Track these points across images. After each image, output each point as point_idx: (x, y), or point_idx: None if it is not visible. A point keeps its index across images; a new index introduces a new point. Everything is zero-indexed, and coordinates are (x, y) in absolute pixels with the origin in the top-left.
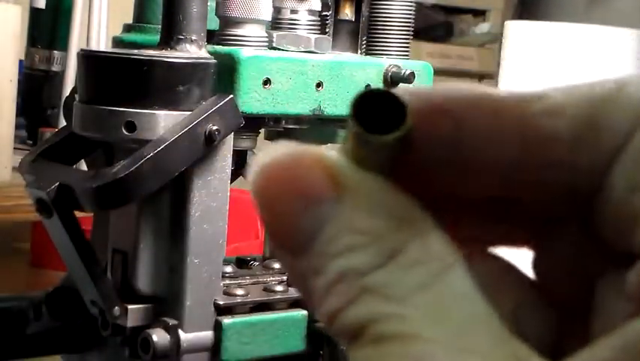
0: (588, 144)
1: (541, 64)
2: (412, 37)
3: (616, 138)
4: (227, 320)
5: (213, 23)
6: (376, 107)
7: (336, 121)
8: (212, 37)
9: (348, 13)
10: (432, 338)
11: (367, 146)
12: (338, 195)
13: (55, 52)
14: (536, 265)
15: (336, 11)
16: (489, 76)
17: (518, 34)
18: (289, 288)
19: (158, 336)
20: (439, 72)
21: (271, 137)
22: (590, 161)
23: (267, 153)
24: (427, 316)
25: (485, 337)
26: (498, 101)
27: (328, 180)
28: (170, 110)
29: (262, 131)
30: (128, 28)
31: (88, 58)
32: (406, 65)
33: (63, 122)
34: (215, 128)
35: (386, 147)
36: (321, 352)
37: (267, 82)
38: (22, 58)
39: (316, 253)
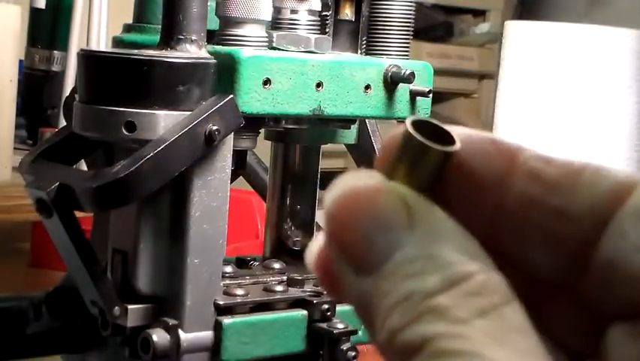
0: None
1: (541, 64)
2: (412, 37)
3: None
4: (227, 320)
5: (213, 23)
6: (426, 132)
7: (336, 121)
8: (212, 37)
9: (348, 13)
10: (495, 358)
11: (422, 159)
12: (411, 224)
13: (55, 52)
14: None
15: (336, 11)
16: (489, 76)
17: (518, 34)
18: (289, 288)
19: (158, 336)
20: (439, 72)
21: (271, 137)
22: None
23: (348, 178)
24: (488, 338)
25: None
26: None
27: (403, 210)
28: (170, 110)
29: (262, 131)
30: (128, 28)
31: (88, 58)
32: (406, 65)
33: (63, 122)
34: (215, 128)
35: (439, 160)
36: (321, 352)
37: (267, 82)
38: (22, 58)
39: (385, 274)
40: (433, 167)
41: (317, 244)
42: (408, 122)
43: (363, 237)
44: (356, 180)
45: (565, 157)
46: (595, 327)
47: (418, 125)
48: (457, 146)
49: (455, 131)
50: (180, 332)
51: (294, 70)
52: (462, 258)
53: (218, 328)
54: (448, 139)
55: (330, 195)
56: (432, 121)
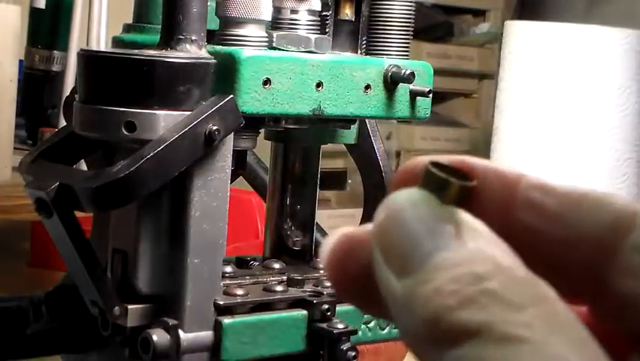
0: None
1: (541, 64)
2: (412, 37)
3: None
4: (227, 320)
5: (213, 23)
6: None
7: (336, 121)
8: (212, 37)
9: (348, 13)
10: (560, 346)
11: (443, 194)
12: (459, 232)
13: (55, 52)
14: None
15: (336, 11)
16: (489, 76)
17: (518, 34)
18: (289, 288)
19: (158, 336)
20: (439, 72)
21: (271, 137)
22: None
23: (400, 192)
24: (546, 326)
25: (599, 358)
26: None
27: (451, 219)
28: (170, 110)
29: (262, 131)
30: (128, 28)
31: (88, 58)
32: (406, 65)
33: (63, 122)
34: (215, 128)
35: (459, 195)
36: (321, 352)
37: (267, 82)
38: (22, 58)
39: (430, 267)
40: (452, 201)
41: (331, 242)
42: (427, 160)
43: (409, 238)
44: (405, 194)
45: (564, 185)
46: (619, 351)
47: (435, 164)
48: (475, 182)
49: (464, 162)
50: (180, 332)
51: (294, 70)
52: (510, 257)
53: (218, 328)
54: (463, 175)
55: (381, 207)
56: (444, 161)
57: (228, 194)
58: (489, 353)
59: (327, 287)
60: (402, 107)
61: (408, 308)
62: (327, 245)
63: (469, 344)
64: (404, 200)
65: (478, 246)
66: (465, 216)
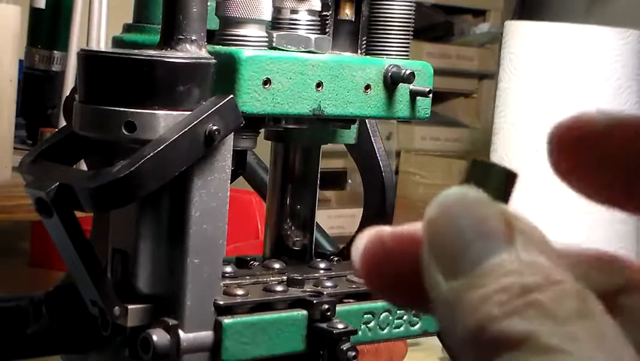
0: None
1: (541, 64)
2: (412, 37)
3: None
4: (227, 320)
5: (213, 23)
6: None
7: (336, 121)
8: (212, 37)
9: (348, 13)
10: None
11: (490, 182)
12: (510, 236)
13: (55, 52)
14: None
15: (336, 11)
16: (489, 76)
17: (518, 34)
18: (289, 288)
19: (158, 336)
20: (439, 72)
21: (271, 137)
22: None
23: (451, 191)
24: (593, 341)
25: None
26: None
27: (503, 222)
28: (170, 110)
29: (262, 131)
30: (128, 28)
31: (88, 58)
32: (406, 65)
33: (63, 122)
34: (215, 128)
35: (506, 181)
36: (321, 352)
37: (267, 82)
38: (22, 58)
39: (480, 272)
40: (500, 188)
41: (364, 240)
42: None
43: (459, 239)
44: (457, 192)
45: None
46: None
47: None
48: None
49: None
50: (180, 332)
51: (294, 70)
52: (558, 268)
53: (218, 328)
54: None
55: (432, 204)
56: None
57: (228, 194)
58: None
59: (327, 287)
60: (402, 107)
61: (454, 312)
62: (359, 246)
63: (512, 355)
64: (456, 197)
65: (528, 254)
66: (518, 218)
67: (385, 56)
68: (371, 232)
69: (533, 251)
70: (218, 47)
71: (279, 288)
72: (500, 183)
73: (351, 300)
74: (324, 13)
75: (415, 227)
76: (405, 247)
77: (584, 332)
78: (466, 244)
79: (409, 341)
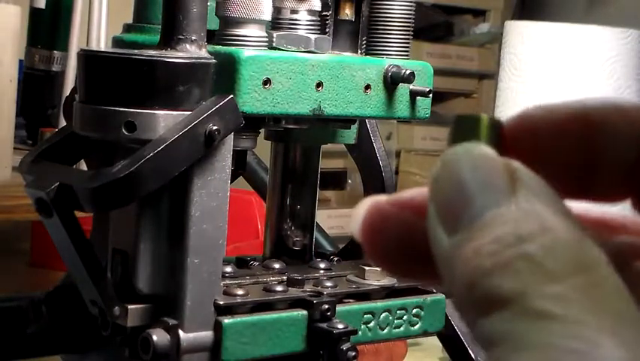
0: None
1: (541, 64)
2: (412, 37)
3: None
4: (227, 320)
5: (213, 23)
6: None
7: (336, 121)
8: (212, 37)
9: (348, 13)
10: (595, 326)
11: (476, 133)
12: (512, 187)
13: (55, 52)
14: None
15: (336, 11)
16: (489, 76)
17: (518, 34)
18: (289, 288)
19: (158, 336)
20: (439, 72)
21: (271, 137)
22: None
23: (458, 147)
24: (586, 300)
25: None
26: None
27: (505, 174)
28: (170, 110)
29: (262, 131)
30: (128, 28)
31: (88, 58)
32: (406, 65)
33: (63, 122)
34: (215, 128)
35: (495, 130)
36: (321, 352)
37: (267, 82)
38: (22, 58)
39: (477, 225)
40: (490, 139)
41: (362, 209)
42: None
43: (461, 194)
44: (460, 149)
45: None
46: None
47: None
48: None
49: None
50: (180, 332)
51: (294, 70)
52: (561, 218)
53: (218, 328)
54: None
55: (436, 164)
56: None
57: (228, 194)
58: (516, 327)
59: (327, 287)
60: (402, 107)
61: (451, 268)
62: (359, 215)
63: (499, 315)
64: (460, 153)
65: (529, 203)
66: (523, 171)
67: (385, 56)
68: (369, 201)
69: (535, 202)
70: (218, 47)
71: (279, 288)
72: (489, 133)
73: (351, 300)
74: (324, 13)
75: (413, 192)
76: (404, 211)
77: (578, 290)
78: (468, 198)
79: (409, 341)
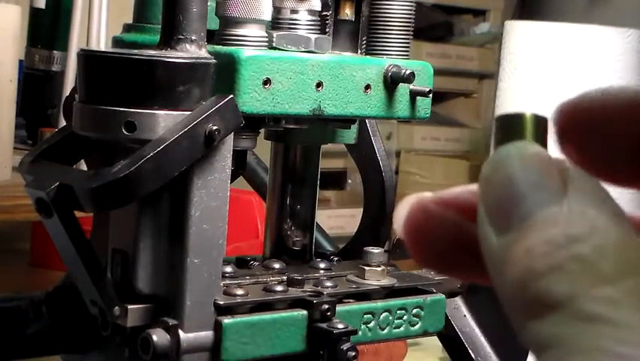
0: None
1: (541, 64)
2: (412, 37)
3: None
4: (227, 320)
5: (213, 23)
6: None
7: (336, 121)
8: (212, 37)
9: (348, 13)
10: None
11: (523, 131)
12: (564, 187)
13: (55, 52)
14: None
15: (336, 11)
16: (489, 76)
17: (518, 34)
18: (289, 288)
19: (158, 336)
20: (439, 72)
21: (271, 137)
22: None
23: (507, 146)
24: (637, 304)
25: None
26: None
27: (556, 173)
28: (170, 110)
29: (262, 131)
30: (128, 28)
31: (88, 58)
32: (406, 65)
33: (63, 122)
34: (215, 128)
35: (542, 127)
36: (321, 352)
37: (267, 82)
38: (22, 58)
39: (529, 224)
40: (537, 135)
41: (407, 208)
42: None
43: (512, 193)
44: (511, 148)
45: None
46: None
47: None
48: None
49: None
50: (180, 332)
51: (294, 70)
52: (614, 224)
53: (218, 328)
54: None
55: (487, 162)
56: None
57: (228, 194)
58: (567, 331)
59: (327, 287)
60: (402, 107)
61: (500, 268)
62: (401, 215)
63: (550, 319)
64: (510, 151)
65: (581, 204)
66: (574, 171)
67: (385, 56)
68: (412, 199)
69: (587, 203)
70: (218, 47)
71: (279, 288)
72: (535, 130)
73: (351, 300)
74: (324, 13)
75: (457, 191)
76: (448, 210)
77: (629, 292)
78: (519, 197)
79: (409, 341)
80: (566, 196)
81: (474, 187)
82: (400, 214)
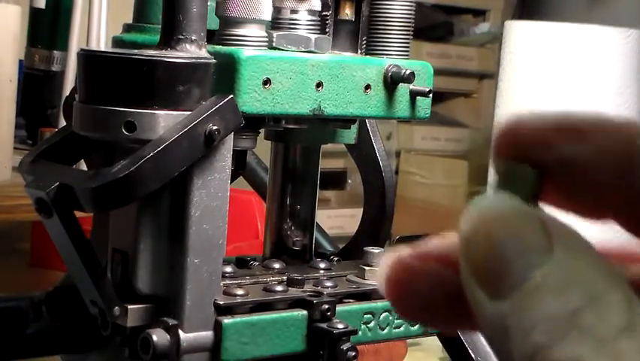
0: None
1: (541, 64)
2: (412, 37)
3: None
4: (227, 320)
5: (213, 23)
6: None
7: (336, 121)
8: (212, 37)
9: (348, 13)
10: None
11: (521, 182)
12: (550, 246)
13: (55, 52)
14: None
15: (336, 11)
16: (489, 76)
17: (518, 34)
18: (289, 288)
19: (158, 336)
20: (439, 72)
21: (271, 137)
22: None
23: (482, 202)
24: (636, 357)
25: None
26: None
27: (541, 232)
28: (170, 110)
29: (262, 131)
30: (128, 28)
31: (88, 58)
32: (406, 65)
33: (63, 122)
34: (215, 128)
35: (535, 179)
36: (321, 352)
37: (267, 82)
38: (22, 58)
39: (525, 293)
40: (530, 187)
41: (387, 265)
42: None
43: (500, 260)
44: (491, 204)
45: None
46: None
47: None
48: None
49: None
50: (180, 332)
51: (294, 70)
52: (602, 275)
53: (218, 328)
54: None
55: (465, 219)
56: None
57: (228, 194)
58: None
59: (327, 287)
60: (402, 107)
61: (503, 335)
62: (382, 273)
63: None
64: (490, 210)
65: (569, 260)
66: (555, 223)
67: (385, 56)
68: (391, 256)
69: (575, 260)
70: (218, 47)
71: (279, 288)
72: (527, 181)
73: (351, 300)
74: (324, 13)
75: (434, 243)
76: (428, 263)
77: (631, 349)
78: (507, 262)
79: (409, 341)
80: (552, 253)
81: (451, 237)
82: (381, 272)
